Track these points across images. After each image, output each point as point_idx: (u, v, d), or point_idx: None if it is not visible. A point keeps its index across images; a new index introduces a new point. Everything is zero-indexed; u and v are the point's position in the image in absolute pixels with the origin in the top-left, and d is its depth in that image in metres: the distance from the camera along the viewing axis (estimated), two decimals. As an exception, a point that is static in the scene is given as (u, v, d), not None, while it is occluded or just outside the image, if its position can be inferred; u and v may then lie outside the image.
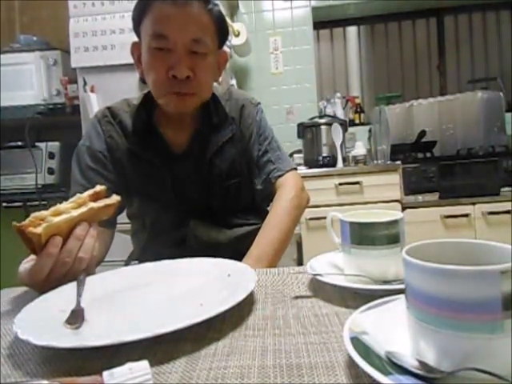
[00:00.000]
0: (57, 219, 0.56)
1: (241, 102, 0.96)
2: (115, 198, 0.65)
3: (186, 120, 0.89)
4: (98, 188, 0.64)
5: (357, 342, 0.31)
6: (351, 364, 0.32)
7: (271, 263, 0.79)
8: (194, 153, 0.90)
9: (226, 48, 0.84)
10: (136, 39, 0.86)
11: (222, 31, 0.85)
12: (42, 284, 0.56)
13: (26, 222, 0.55)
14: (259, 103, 1.01)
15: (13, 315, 0.45)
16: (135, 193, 0.91)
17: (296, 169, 1.01)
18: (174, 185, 0.90)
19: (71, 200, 0.61)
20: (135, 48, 0.85)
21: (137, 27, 0.83)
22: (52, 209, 0.58)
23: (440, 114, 2.34)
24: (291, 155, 2.51)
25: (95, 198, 0.63)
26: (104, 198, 0.65)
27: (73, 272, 0.57)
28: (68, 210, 0.59)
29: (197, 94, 0.82)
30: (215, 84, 0.92)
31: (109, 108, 0.93)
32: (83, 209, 0.59)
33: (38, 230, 0.54)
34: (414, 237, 0.39)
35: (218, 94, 0.94)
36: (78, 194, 0.62)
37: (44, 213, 0.56)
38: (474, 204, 2.00)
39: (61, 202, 0.60)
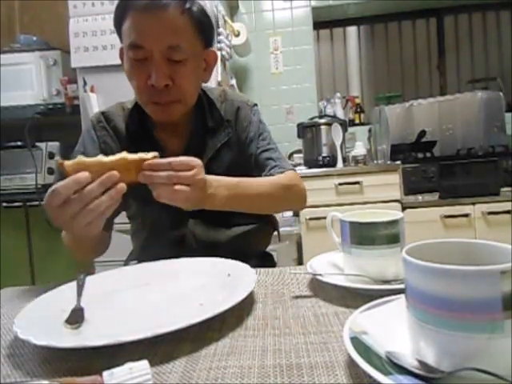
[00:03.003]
0: (87, 159, 0.58)
1: (236, 104, 0.94)
2: (152, 154, 0.63)
3: (180, 124, 0.87)
4: (151, 154, 0.63)
5: (357, 341, 0.31)
6: (351, 364, 0.32)
7: (222, 193, 0.73)
8: (190, 157, 0.89)
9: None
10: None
11: (204, 30, 0.81)
12: (57, 211, 0.56)
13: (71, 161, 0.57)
14: (255, 105, 0.98)
15: (13, 315, 0.45)
16: (132, 196, 0.91)
17: (294, 170, 0.97)
18: None
19: (114, 156, 0.61)
20: (122, 53, 0.84)
21: (118, 33, 0.81)
22: (94, 158, 0.59)
23: (440, 114, 2.35)
24: (291, 155, 2.52)
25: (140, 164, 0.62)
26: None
27: (78, 220, 0.56)
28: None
29: (179, 102, 0.80)
30: (210, 86, 0.91)
31: (103, 113, 0.92)
32: (116, 157, 0.60)
33: (67, 162, 0.57)
34: (414, 237, 0.39)
35: (213, 97, 0.92)
36: (125, 152, 0.62)
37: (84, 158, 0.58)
38: (474, 204, 2.00)
39: None
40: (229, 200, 0.75)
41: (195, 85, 0.85)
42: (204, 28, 0.81)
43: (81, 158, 0.58)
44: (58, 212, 0.57)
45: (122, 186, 0.60)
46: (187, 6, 0.76)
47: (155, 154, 0.63)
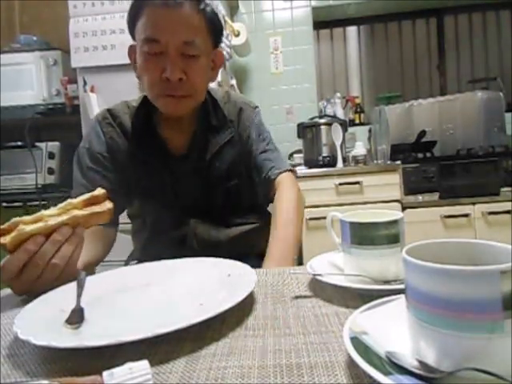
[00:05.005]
0: (30, 228, 0.53)
1: (239, 105, 0.97)
2: (106, 206, 0.61)
3: (184, 122, 0.89)
4: (97, 192, 0.61)
5: (357, 341, 0.31)
6: (351, 364, 0.32)
7: (291, 260, 0.78)
8: (194, 154, 0.90)
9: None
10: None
11: (215, 31, 0.84)
12: (15, 281, 0.54)
13: (4, 226, 0.53)
14: (257, 106, 1.01)
15: (13, 315, 0.45)
16: (136, 192, 0.92)
17: (292, 170, 0.98)
18: (174, 185, 0.90)
19: (60, 206, 0.58)
20: (132, 51, 0.86)
21: (131, 31, 0.83)
22: (36, 214, 0.55)
23: (440, 114, 2.34)
24: (291, 155, 2.52)
25: (93, 202, 0.60)
26: (103, 202, 0.61)
27: (45, 277, 0.55)
28: (51, 216, 0.56)
29: (191, 96, 0.82)
30: (215, 87, 0.93)
31: (109, 110, 0.93)
32: (64, 217, 0.56)
33: (4, 239, 0.52)
34: (414, 237, 0.39)
35: (216, 97, 0.94)
36: (69, 200, 0.59)
37: (25, 218, 0.54)
38: (474, 204, 2.00)
39: (55, 205, 0.58)
40: (290, 260, 0.77)
41: (205, 81, 0.87)
42: (215, 28, 0.84)
43: (20, 227, 0.53)
44: (17, 282, 0.54)
45: (81, 228, 0.58)
46: (202, 6, 0.79)
47: (109, 206, 0.61)
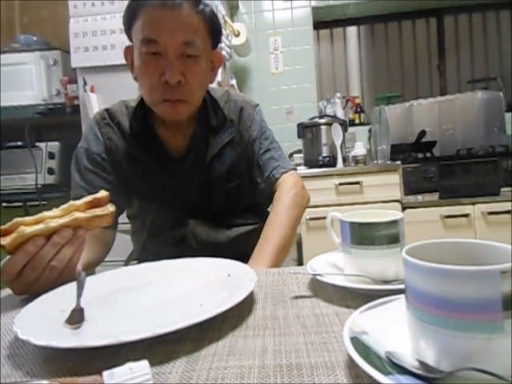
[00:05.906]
0: (30, 230, 0.53)
1: (240, 104, 0.95)
2: (109, 209, 0.61)
3: (183, 123, 0.88)
4: (100, 194, 0.61)
5: (357, 341, 0.31)
6: (351, 364, 0.32)
7: (275, 262, 0.77)
8: (193, 155, 0.90)
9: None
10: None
11: (214, 32, 0.84)
12: (14, 282, 0.54)
13: (4, 227, 0.53)
14: (258, 105, 1.00)
15: (13, 315, 0.45)
16: (135, 193, 0.92)
17: (295, 169, 0.99)
18: (173, 186, 0.90)
19: (62, 207, 0.58)
20: (128, 52, 0.85)
21: (128, 32, 0.82)
22: (37, 216, 0.55)
23: (440, 114, 2.34)
24: (291, 155, 2.52)
25: (95, 204, 0.60)
26: (105, 204, 0.61)
27: (43, 279, 0.55)
28: (53, 218, 0.56)
29: (188, 102, 0.81)
30: (214, 86, 0.92)
31: (107, 110, 0.92)
32: (66, 219, 0.56)
33: (3, 240, 0.52)
34: (414, 237, 0.39)
35: (216, 97, 0.93)
36: (71, 202, 0.59)
37: (26, 220, 0.54)
38: (473, 204, 2.00)
39: (57, 206, 0.58)
40: (275, 261, 0.77)
41: (203, 84, 0.86)
42: (214, 29, 0.83)
43: (20, 228, 0.53)
44: (16, 284, 0.55)
45: (82, 230, 0.57)
46: (201, 7, 0.78)
47: (111, 209, 0.60)
